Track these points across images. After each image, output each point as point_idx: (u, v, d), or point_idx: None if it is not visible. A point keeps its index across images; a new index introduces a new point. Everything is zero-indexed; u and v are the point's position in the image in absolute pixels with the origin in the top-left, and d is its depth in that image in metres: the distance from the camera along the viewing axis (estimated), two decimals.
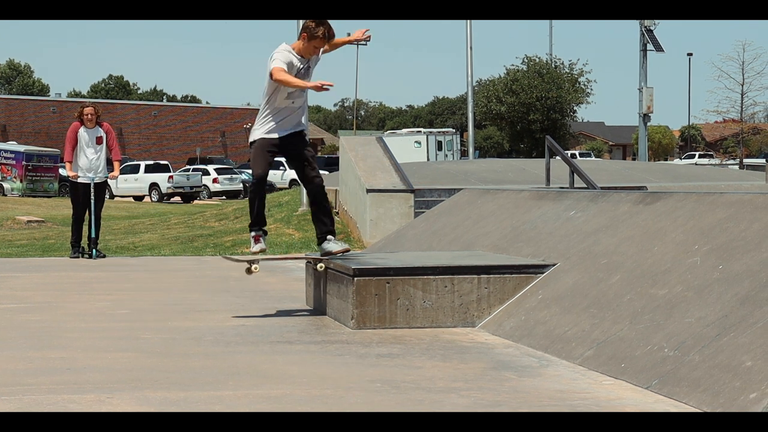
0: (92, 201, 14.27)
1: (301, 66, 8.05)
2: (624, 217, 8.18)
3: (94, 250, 14.26)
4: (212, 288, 10.62)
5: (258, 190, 8.30)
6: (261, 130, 8.20)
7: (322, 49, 8.18)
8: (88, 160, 14.23)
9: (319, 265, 8.20)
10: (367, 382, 5.72)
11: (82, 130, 14.21)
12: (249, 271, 8.41)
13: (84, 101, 29.51)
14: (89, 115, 14.19)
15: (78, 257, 14.36)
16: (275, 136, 8.14)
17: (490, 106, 68.38)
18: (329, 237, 8.23)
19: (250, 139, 8.28)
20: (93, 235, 14.25)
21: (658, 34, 51.82)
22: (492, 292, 7.72)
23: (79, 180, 14.31)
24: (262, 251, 8.41)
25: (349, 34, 8.81)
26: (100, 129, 14.32)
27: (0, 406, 5.03)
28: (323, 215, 8.31)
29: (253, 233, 8.40)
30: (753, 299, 5.62)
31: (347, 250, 8.28)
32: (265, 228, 8.45)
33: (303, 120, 8.29)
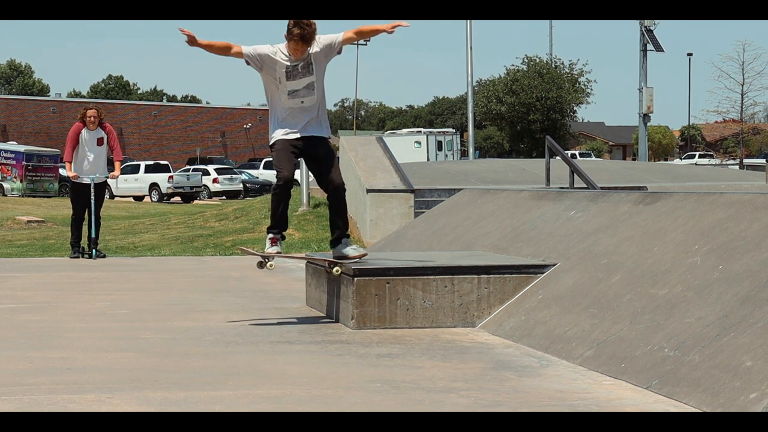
0: (92, 201, 14.28)
1: (290, 64, 7.75)
2: (624, 217, 8.18)
3: (94, 250, 14.26)
4: (212, 288, 10.62)
5: (283, 193, 7.92)
6: (279, 132, 7.89)
7: (340, 42, 7.81)
8: (88, 162, 14.25)
9: (335, 269, 7.95)
10: (367, 382, 5.72)
11: (84, 132, 14.23)
12: (261, 264, 8.12)
13: (85, 102, 29.52)
14: (92, 117, 14.21)
15: (78, 257, 14.37)
16: (296, 136, 7.84)
17: (490, 106, 68.37)
18: (344, 240, 7.98)
19: (270, 142, 7.98)
20: (93, 235, 14.26)
21: (658, 34, 51.89)
22: (492, 292, 7.72)
23: (79, 180, 14.32)
24: (278, 253, 8.08)
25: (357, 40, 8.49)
26: (101, 130, 14.34)
27: (0, 406, 5.03)
28: (338, 218, 8.04)
29: (271, 235, 8.03)
30: (753, 299, 5.63)
31: (364, 254, 8.06)
32: (284, 233, 8.14)
33: (323, 124, 7.97)
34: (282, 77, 7.77)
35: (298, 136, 7.84)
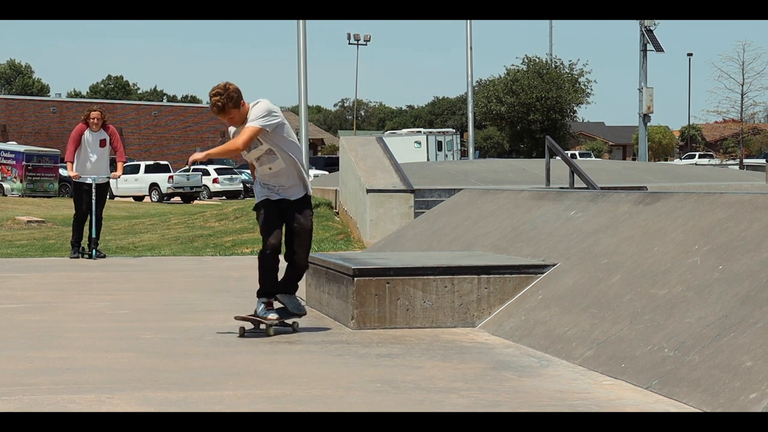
0: (93, 201, 14.30)
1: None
2: (624, 217, 8.18)
3: (94, 251, 14.27)
4: (212, 288, 10.62)
5: (271, 261, 7.48)
6: (261, 190, 7.58)
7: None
8: (91, 163, 14.28)
9: (271, 330, 7.44)
10: (367, 382, 5.72)
11: (86, 133, 14.25)
12: (243, 331, 7.40)
13: (85, 102, 29.52)
14: (95, 119, 14.24)
15: (78, 257, 14.37)
16: (277, 198, 7.53)
17: (490, 106, 68.36)
18: (295, 296, 7.67)
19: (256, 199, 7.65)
20: (93, 236, 14.28)
21: (658, 34, 51.85)
22: (492, 292, 7.72)
23: (81, 180, 14.34)
24: (279, 320, 7.53)
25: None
26: (104, 132, 14.38)
27: (0, 406, 5.03)
28: (295, 280, 7.69)
29: (265, 299, 7.58)
30: (753, 299, 5.63)
31: (302, 314, 7.66)
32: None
33: (301, 185, 7.56)
34: None
35: (278, 198, 7.52)
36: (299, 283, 7.80)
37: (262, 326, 7.46)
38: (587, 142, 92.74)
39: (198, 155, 7.38)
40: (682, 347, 5.56)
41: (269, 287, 7.54)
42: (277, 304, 7.61)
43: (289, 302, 7.61)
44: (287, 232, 7.59)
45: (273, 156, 7.44)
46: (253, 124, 7.30)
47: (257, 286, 8.19)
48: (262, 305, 7.51)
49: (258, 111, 7.34)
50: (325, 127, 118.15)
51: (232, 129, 7.52)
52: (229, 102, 7.26)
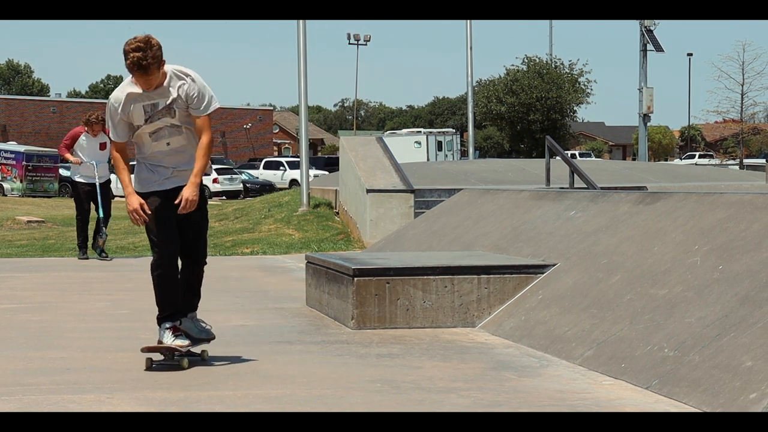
0: (99, 200, 14.29)
1: (148, 103, 6.19)
2: (624, 217, 8.18)
3: (99, 249, 14.27)
4: (212, 288, 10.61)
5: (169, 273, 6.21)
6: (147, 176, 6.40)
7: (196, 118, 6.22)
8: (90, 167, 14.27)
9: (184, 362, 6.19)
10: (367, 382, 5.72)
11: (83, 138, 14.22)
12: (151, 362, 6.16)
13: (85, 101, 29.49)
14: (95, 129, 14.24)
15: (87, 258, 14.34)
16: (168, 187, 6.30)
17: (490, 106, 68.36)
18: (191, 315, 6.43)
19: (136, 188, 6.46)
20: (103, 228, 14.22)
21: (658, 34, 51.89)
22: (492, 292, 7.72)
23: (83, 181, 14.31)
24: (189, 346, 6.28)
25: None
26: (104, 135, 14.38)
27: (0, 406, 5.03)
28: (195, 295, 6.48)
29: (168, 324, 6.27)
30: (753, 299, 5.63)
31: (178, 349, 6.21)
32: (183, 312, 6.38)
33: (190, 164, 6.29)
34: (139, 118, 6.27)
35: (170, 186, 6.30)
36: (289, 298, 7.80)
37: (183, 361, 6.20)
38: (587, 142, 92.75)
39: (189, 194, 6.20)
40: (682, 347, 5.56)
41: (172, 308, 6.26)
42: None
43: (193, 326, 6.39)
44: (181, 225, 6.31)
45: (176, 130, 6.23)
46: (209, 110, 6.19)
47: (257, 286, 8.17)
48: (168, 332, 6.23)
49: (201, 89, 6.18)
50: (325, 127, 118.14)
51: (119, 95, 6.17)
52: (154, 63, 5.98)
